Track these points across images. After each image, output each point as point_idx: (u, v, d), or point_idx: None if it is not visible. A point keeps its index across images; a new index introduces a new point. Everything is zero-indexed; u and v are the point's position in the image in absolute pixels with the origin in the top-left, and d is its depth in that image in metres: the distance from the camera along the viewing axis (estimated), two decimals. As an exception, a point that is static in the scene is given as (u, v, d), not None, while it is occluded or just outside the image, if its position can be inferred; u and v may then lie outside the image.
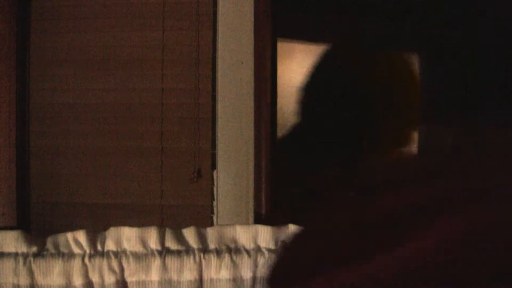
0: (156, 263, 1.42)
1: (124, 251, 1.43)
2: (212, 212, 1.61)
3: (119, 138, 1.65)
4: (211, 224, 1.59)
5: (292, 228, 1.47)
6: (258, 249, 1.45)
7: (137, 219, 1.63)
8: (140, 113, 1.65)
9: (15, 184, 1.53)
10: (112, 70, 1.65)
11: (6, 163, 1.53)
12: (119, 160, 1.65)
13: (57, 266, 1.41)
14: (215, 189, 1.61)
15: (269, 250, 1.45)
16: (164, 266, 1.42)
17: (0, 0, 1.55)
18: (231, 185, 1.59)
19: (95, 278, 1.42)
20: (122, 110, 1.65)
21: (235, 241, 1.46)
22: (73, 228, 1.45)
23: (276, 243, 1.46)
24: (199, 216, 1.63)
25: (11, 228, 1.48)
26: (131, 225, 1.46)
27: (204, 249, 1.44)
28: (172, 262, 1.42)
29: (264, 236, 1.45)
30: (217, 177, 1.60)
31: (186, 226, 1.47)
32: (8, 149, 1.53)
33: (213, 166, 1.62)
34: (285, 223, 1.48)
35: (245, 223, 1.55)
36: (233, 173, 1.59)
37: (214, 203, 1.61)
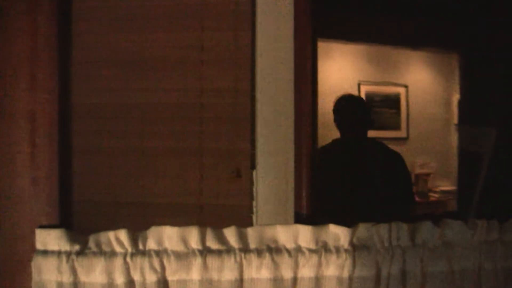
0: (197, 262, 1.43)
1: (165, 250, 1.44)
2: (252, 212, 1.61)
3: (158, 138, 1.66)
4: (251, 224, 1.59)
5: (332, 228, 1.47)
6: (298, 249, 1.45)
7: (177, 218, 1.63)
8: (179, 113, 1.66)
9: (57, 183, 1.55)
10: (151, 71, 1.66)
11: (48, 163, 1.55)
12: (158, 159, 1.66)
13: (99, 264, 1.43)
14: (254, 189, 1.60)
15: (310, 250, 1.45)
16: (205, 266, 1.43)
17: (43, 1, 1.57)
18: (270, 184, 1.58)
19: (136, 277, 1.43)
20: (162, 110, 1.66)
21: (275, 241, 1.46)
22: (114, 227, 1.47)
23: (316, 243, 1.45)
24: (239, 215, 1.63)
25: (54, 226, 1.50)
26: (170, 224, 1.47)
27: (245, 249, 1.44)
28: (213, 261, 1.43)
29: (305, 236, 1.45)
30: (256, 177, 1.60)
31: (226, 225, 1.47)
32: (51, 149, 1.55)
33: (253, 166, 1.62)
34: (325, 223, 1.48)
35: (285, 223, 1.54)
36: (273, 172, 1.59)
37: (254, 203, 1.60)
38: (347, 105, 3.18)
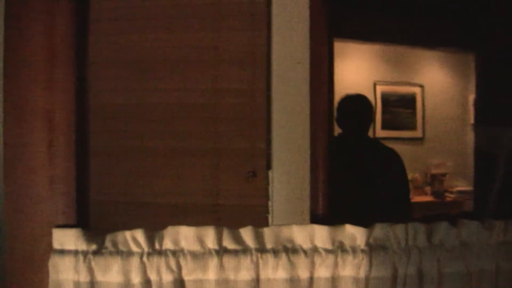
0: (213, 262, 1.43)
1: (182, 250, 1.45)
2: (267, 212, 1.61)
3: (175, 138, 1.66)
4: (266, 224, 1.59)
5: (349, 228, 1.46)
6: (315, 249, 1.45)
7: (192, 218, 1.64)
8: (195, 113, 1.66)
9: (74, 183, 1.56)
10: (167, 71, 1.67)
11: (66, 162, 1.55)
12: (175, 160, 1.66)
13: (116, 264, 1.43)
14: (270, 189, 1.60)
15: (326, 250, 1.45)
16: (221, 265, 1.43)
17: (61, 2, 1.57)
18: (286, 185, 1.59)
19: (153, 276, 1.43)
20: (178, 110, 1.66)
21: (292, 241, 1.46)
22: (130, 226, 1.47)
23: (333, 243, 1.45)
24: (254, 216, 1.63)
25: (71, 226, 1.50)
26: (186, 224, 1.47)
27: (261, 249, 1.45)
28: (229, 261, 1.43)
29: (321, 236, 1.45)
30: (272, 177, 1.60)
31: (241, 225, 1.48)
32: (68, 148, 1.56)
33: (268, 166, 1.62)
34: (342, 223, 1.48)
35: (301, 223, 1.54)
36: (289, 172, 1.59)
37: (269, 203, 1.60)
38: (350, 105, 3.22)
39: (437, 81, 5.83)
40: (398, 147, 3.10)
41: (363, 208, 2.71)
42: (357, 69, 5.51)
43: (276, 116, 1.60)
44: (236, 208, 1.64)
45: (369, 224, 1.49)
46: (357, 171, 2.88)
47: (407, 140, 5.51)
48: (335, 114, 3.14)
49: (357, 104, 3.24)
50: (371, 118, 3.27)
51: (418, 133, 5.73)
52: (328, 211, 1.60)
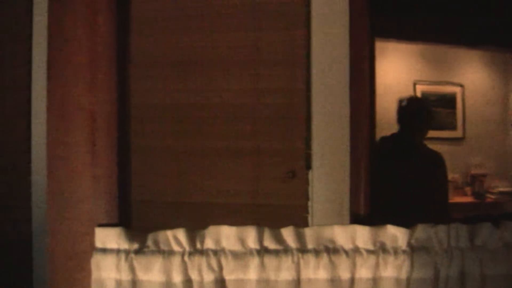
0: (254, 262, 1.43)
1: (223, 250, 1.45)
2: (307, 212, 1.60)
3: (214, 138, 1.67)
4: (306, 224, 1.58)
5: (390, 229, 1.45)
6: (356, 250, 1.44)
7: (232, 218, 1.64)
8: (235, 113, 1.66)
9: (117, 182, 1.57)
10: (207, 71, 1.67)
11: (108, 162, 1.57)
12: (215, 159, 1.67)
13: (157, 263, 1.45)
14: (310, 189, 1.60)
15: (368, 251, 1.44)
16: (262, 265, 1.43)
17: (101, 3, 1.59)
18: (326, 185, 1.58)
19: (194, 276, 1.44)
20: (218, 110, 1.67)
21: (333, 241, 1.45)
22: (171, 226, 1.48)
23: (374, 243, 1.44)
24: (294, 216, 1.63)
25: (113, 225, 1.52)
26: (226, 224, 1.47)
27: (302, 249, 1.44)
28: (270, 261, 1.43)
29: (363, 237, 1.44)
30: (312, 177, 1.59)
31: (281, 225, 1.47)
32: (110, 148, 1.57)
33: (308, 166, 1.61)
34: (383, 223, 1.47)
35: (341, 223, 1.53)
36: (329, 173, 1.58)
37: (309, 203, 1.60)
38: (421, 107, 3.25)
39: (477, 81, 5.74)
40: (438, 147, 3.07)
41: (403, 209, 2.69)
42: (397, 69, 5.46)
43: (316, 116, 1.59)
44: (276, 208, 1.64)
45: (410, 225, 1.48)
46: (401, 173, 2.87)
47: (447, 140, 5.44)
48: (397, 115, 3.14)
49: (425, 107, 3.30)
50: (432, 122, 3.26)
51: (458, 133, 5.65)
52: (369, 211, 1.59)
